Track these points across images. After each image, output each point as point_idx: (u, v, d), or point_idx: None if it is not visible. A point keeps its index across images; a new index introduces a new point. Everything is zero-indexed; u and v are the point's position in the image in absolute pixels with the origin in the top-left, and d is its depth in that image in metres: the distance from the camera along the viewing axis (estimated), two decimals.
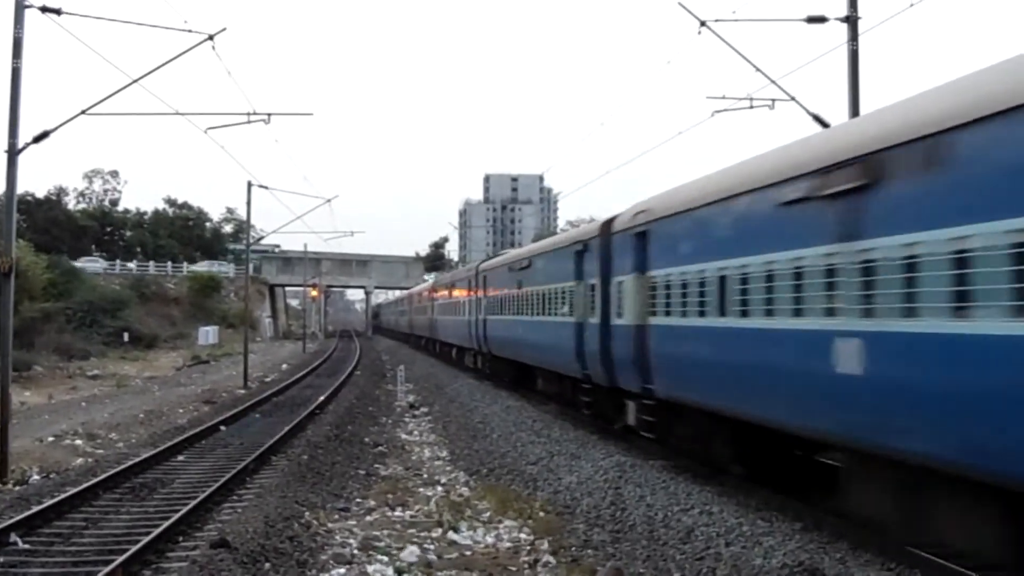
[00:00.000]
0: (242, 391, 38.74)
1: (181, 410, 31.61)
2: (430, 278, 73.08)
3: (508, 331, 32.55)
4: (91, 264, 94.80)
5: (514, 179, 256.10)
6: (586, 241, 22.31)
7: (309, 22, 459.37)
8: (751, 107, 23.14)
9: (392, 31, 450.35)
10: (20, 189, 20.76)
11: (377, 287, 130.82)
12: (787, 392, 12.20)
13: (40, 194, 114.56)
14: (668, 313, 16.36)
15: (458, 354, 49.07)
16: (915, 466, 9.88)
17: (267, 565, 11.59)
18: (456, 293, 47.90)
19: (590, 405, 22.60)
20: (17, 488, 17.35)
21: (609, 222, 20.76)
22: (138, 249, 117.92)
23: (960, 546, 9.91)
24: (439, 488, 18.03)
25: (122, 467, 18.25)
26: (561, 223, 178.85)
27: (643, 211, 18.10)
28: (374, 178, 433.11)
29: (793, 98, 21.93)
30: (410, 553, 12.84)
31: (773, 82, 21.81)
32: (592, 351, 21.14)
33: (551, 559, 12.45)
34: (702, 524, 12.85)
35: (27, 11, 18.95)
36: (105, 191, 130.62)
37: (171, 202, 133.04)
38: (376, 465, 20.55)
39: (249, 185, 43.32)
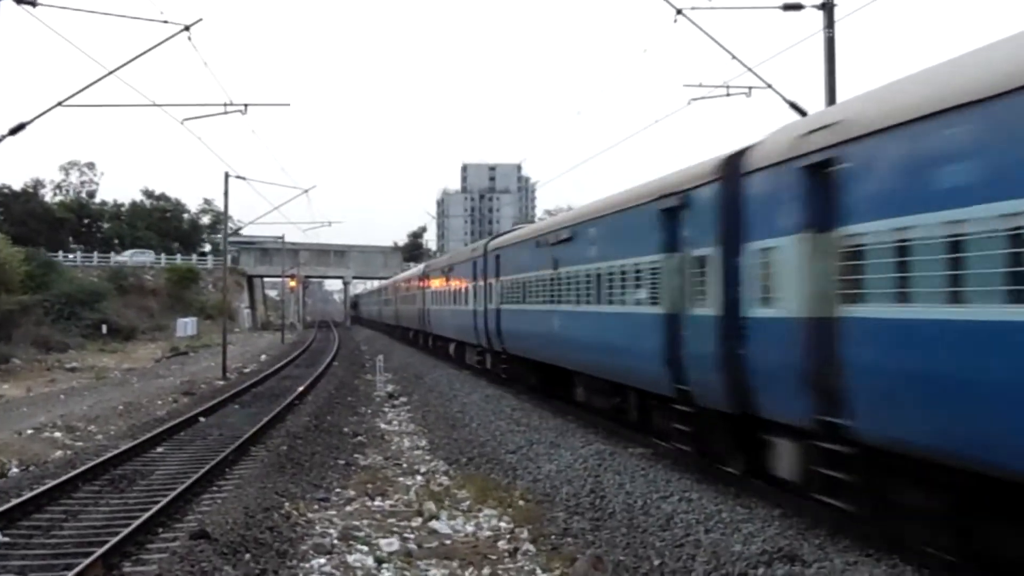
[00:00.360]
0: (221, 382, 38.62)
1: (160, 402, 31.47)
2: (417, 267, 71.70)
3: (535, 325, 25.46)
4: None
5: (492, 168, 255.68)
6: (685, 192, 15.13)
7: (285, 12, 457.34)
8: (728, 95, 23.23)
9: (369, 21, 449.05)
10: None
11: (355, 277, 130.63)
12: None
13: (16, 186, 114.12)
14: (903, 297, 9.42)
15: (457, 351, 41.76)
16: None
17: (247, 556, 11.59)
18: (455, 278, 40.66)
19: (690, 437, 15.37)
20: None
21: (737, 155, 13.74)
22: (116, 241, 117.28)
23: None
24: (419, 477, 18.06)
25: (101, 459, 18.19)
26: (539, 212, 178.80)
27: (825, 126, 11.18)
28: (351, 168, 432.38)
29: (770, 85, 22.01)
30: (390, 543, 12.88)
31: (750, 70, 21.89)
32: (699, 356, 14.55)
33: (531, 547, 12.52)
34: (681, 511, 12.91)
35: (2, 3, 18.85)
36: (82, 183, 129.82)
37: (148, 194, 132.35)
38: (355, 455, 20.57)
39: (226, 176, 43.13)
